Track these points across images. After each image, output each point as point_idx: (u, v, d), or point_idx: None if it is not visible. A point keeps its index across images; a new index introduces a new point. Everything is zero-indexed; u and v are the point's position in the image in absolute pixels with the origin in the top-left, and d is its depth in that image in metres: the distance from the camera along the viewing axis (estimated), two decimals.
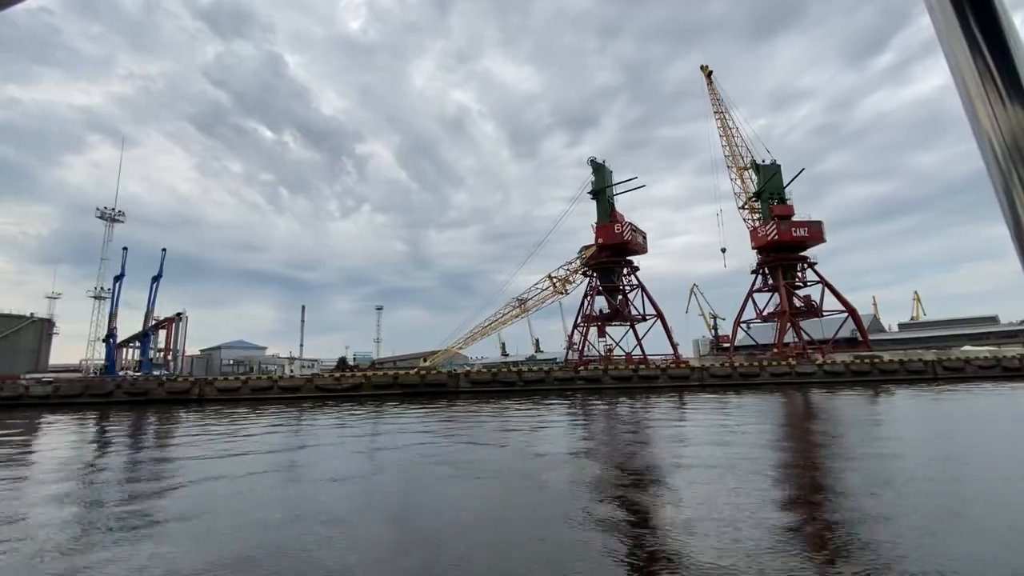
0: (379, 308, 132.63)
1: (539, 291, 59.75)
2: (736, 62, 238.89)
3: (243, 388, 42.86)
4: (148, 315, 47.98)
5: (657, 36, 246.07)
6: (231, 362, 62.05)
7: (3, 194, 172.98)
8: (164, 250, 49.08)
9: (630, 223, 53.19)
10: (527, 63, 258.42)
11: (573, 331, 58.67)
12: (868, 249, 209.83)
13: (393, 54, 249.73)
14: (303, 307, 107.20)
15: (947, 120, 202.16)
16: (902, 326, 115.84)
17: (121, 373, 47.07)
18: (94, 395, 41.72)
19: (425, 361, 72.45)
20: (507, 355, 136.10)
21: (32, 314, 77.22)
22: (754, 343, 59.36)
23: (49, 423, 27.45)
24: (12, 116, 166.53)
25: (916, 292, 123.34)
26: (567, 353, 60.56)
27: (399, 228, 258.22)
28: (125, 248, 47.47)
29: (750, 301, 57.93)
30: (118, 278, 47.78)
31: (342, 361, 78.79)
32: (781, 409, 25.58)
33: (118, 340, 75.91)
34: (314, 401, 40.46)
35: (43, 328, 78.74)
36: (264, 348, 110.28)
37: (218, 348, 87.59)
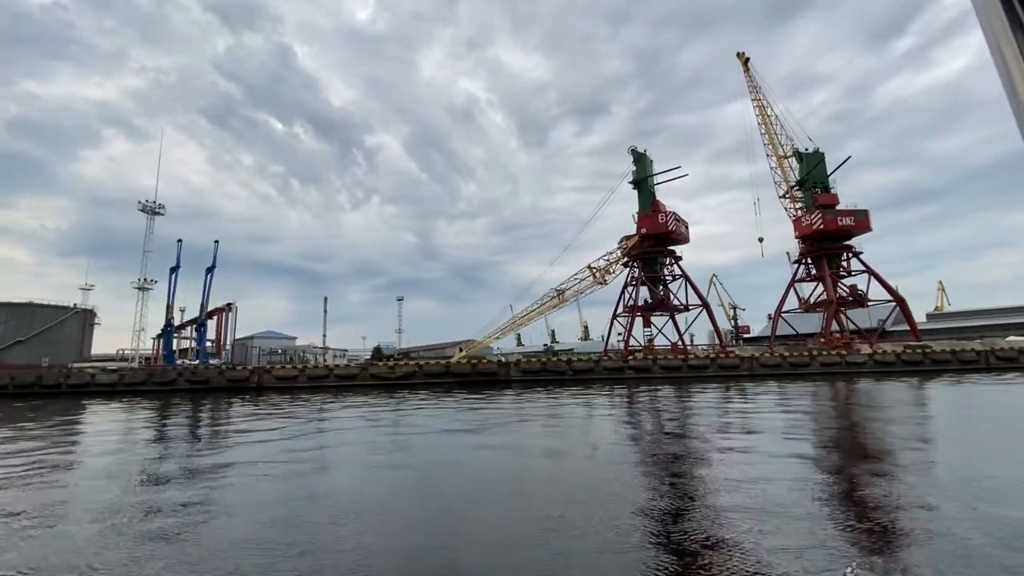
0: (400, 299, 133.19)
1: (578, 281, 60.01)
2: (750, 48, 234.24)
3: (300, 377, 43.73)
4: (204, 306, 48.93)
5: (669, 22, 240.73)
6: (278, 351, 63.03)
7: (23, 188, 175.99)
8: (217, 242, 50.11)
9: (673, 212, 53.06)
10: (536, 51, 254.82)
11: (612, 321, 58.90)
12: (887, 237, 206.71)
13: (401, 44, 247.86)
14: (325, 298, 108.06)
15: (968, 104, 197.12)
16: (929, 316, 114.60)
17: (180, 362, 48.11)
18: (157, 383, 42.85)
19: (461, 351, 73.23)
20: (522, 344, 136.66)
21: (75, 305, 79.00)
22: (795, 332, 59.20)
23: (146, 408, 28.35)
24: (30, 111, 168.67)
25: (940, 282, 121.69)
26: (604, 344, 60.89)
27: (409, 219, 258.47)
28: (180, 240, 48.44)
29: (792, 290, 57.67)
30: (174, 269, 48.75)
31: (377, 351, 79.68)
32: (872, 399, 25.68)
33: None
34: (370, 389, 41.21)
35: (85, 318, 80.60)
36: (295, 338, 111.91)
37: (251, 338, 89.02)
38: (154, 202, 77.43)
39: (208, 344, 55.53)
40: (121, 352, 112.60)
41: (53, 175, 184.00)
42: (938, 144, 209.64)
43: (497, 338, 72.12)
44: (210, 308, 51.82)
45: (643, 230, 53.33)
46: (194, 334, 54.79)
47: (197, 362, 47.39)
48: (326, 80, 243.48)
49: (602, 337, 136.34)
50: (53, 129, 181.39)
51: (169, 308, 48.89)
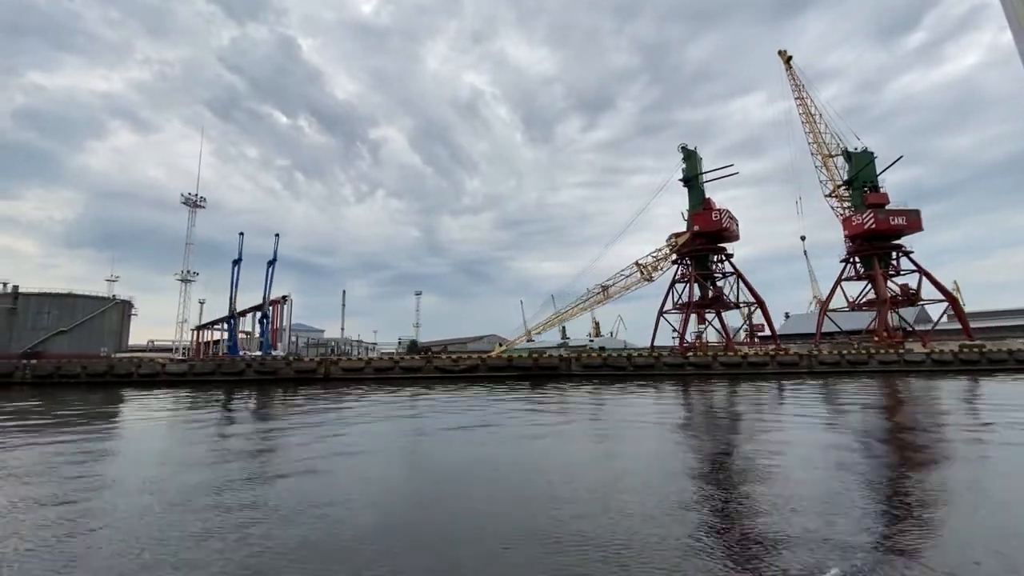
0: (418, 294, 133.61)
1: (623, 278, 60.52)
2: (759, 42, 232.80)
3: (366, 368, 44.35)
4: (265, 298, 49.44)
5: (676, 16, 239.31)
6: (331, 343, 63.56)
7: (30, 179, 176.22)
8: (277, 235, 50.42)
9: (726, 210, 53.43)
10: (542, 44, 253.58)
11: (659, 317, 59.41)
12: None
13: (406, 36, 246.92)
14: (343, 292, 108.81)
15: (979, 102, 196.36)
16: (950, 316, 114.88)
17: (242, 353, 48.72)
18: (226, 373, 43.44)
19: (500, 346, 73.86)
20: (532, 340, 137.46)
21: (114, 295, 79.83)
22: (838, 330, 59.67)
23: (240, 399, 28.90)
24: (37, 102, 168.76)
25: (955, 282, 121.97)
26: (651, 340, 61.42)
27: (413, 214, 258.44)
28: (241, 233, 48.91)
29: (839, 288, 58.14)
30: (236, 262, 49.19)
31: (413, 344, 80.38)
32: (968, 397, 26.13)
33: (203, 322, 78.07)
34: (434, 381, 41.78)
35: (124, 309, 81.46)
36: (323, 331, 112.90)
37: (284, 330, 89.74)
38: (196, 195, 78.24)
39: (241, 336, 56.10)
40: (152, 343, 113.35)
41: (60, 166, 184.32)
42: (947, 142, 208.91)
43: (538, 333, 72.82)
44: (246, 303, 52.31)
45: (696, 227, 53.74)
46: (225, 327, 55.30)
47: (259, 353, 47.93)
48: (330, 73, 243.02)
49: (611, 333, 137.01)
50: (59, 120, 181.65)
51: (232, 300, 49.42)
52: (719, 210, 53.09)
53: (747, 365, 45.20)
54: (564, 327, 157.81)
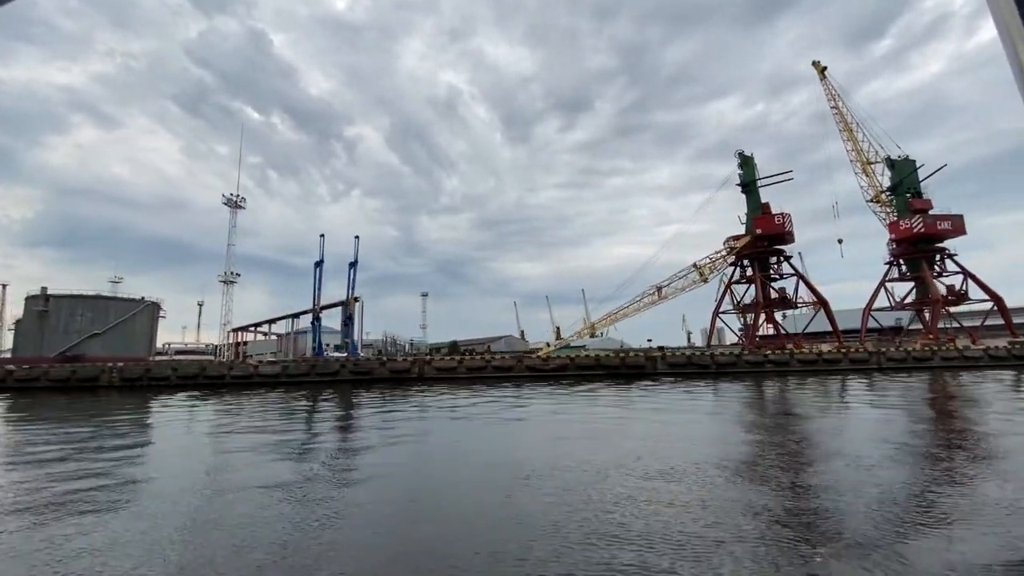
0: (424, 295, 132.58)
1: (679, 278, 62.36)
2: (734, 45, 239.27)
3: (459, 368, 44.74)
4: (348, 300, 49.20)
5: (654, 17, 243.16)
6: (403, 342, 63.24)
7: None
8: (357, 237, 50.24)
9: (788, 214, 55.84)
10: (520, 44, 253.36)
11: (715, 318, 61.41)
12: (861, 239, 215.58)
13: (382, 33, 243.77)
14: (358, 299, 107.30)
15: (944, 110, 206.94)
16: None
17: (327, 354, 48.36)
18: (321, 374, 43.22)
19: (548, 346, 74.71)
20: (525, 340, 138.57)
21: (143, 297, 77.62)
22: (880, 327, 62.80)
23: (382, 399, 29.11)
24: None
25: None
26: (707, 340, 63.15)
27: (390, 213, 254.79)
28: (322, 235, 48.48)
29: (882, 289, 61.22)
30: (318, 264, 48.89)
31: (453, 345, 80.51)
32: None
33: (236, 325, 76.53)
34: (523, 379, 42.49)
35: (153, 312, 79.31)
36: (339, 332, 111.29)
37: (305, 332, 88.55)
38: (236, 195, 76.65)
39: (271, 337, 55.79)
40: (168, 345, 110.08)
41: (17, 163, 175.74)
42: (914, 148, 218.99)
43: (586, 333, 74.05)
44: (326, 302, 51.99)
45: (758, 231, 55.91)
46: (306, 327, 54.92)
47: (344, 354, 47.67)
48: (304, 69, 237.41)
49: (603, 333, 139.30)
50: (17, 115, 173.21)
51: (316, 302, 48.91)
52: (781, 214, 55.43)
53: (823, 362, 47.39)
54: (558, 328, 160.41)
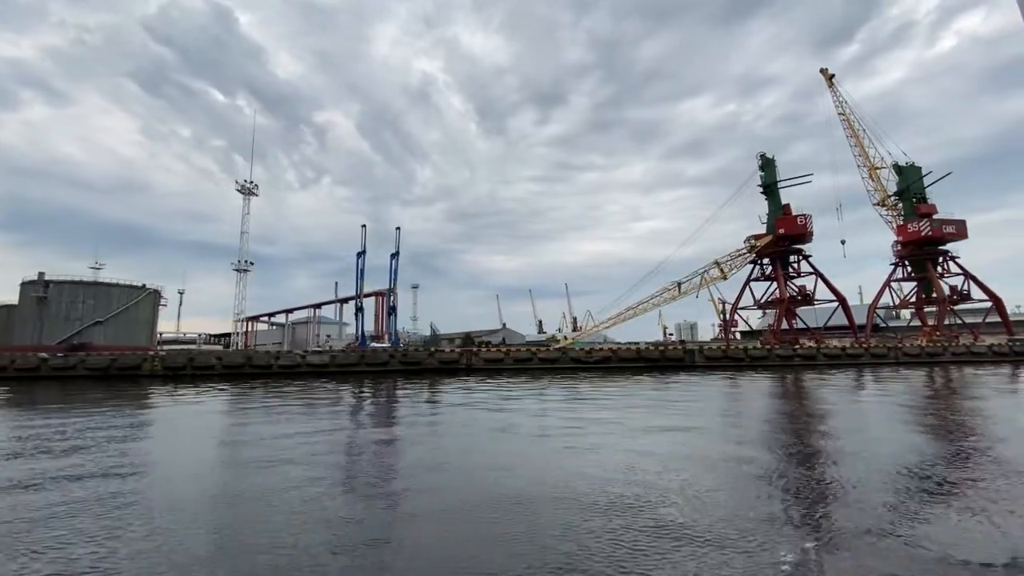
0: (415, 287, 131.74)
1: (699, 275, 64.32)
2: (708, 44, 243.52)
3: (506, 359, 45.26)
4: (391, 290, 48.76)
5: (632, 12, 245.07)
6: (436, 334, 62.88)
7: None
8: (398, 228, 49.63)
9: (809, 215, 58.31)
10: (497, 33, 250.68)
11: (733, 313, 63.71)
12: (824, 239, 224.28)
13: (354, 16, 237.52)
14: (336, 283, 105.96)
15: (906, 115, 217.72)
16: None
17: (372, 344, 47.92)
18: (370, 364, 43.02)
19: (566, 339, 75.74)
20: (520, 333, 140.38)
21: (144, 284, 74.77)
22: (883, 325, 66.45)
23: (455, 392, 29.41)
24: None
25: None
26: (725, 335, 65.40)
27: (361, 203, 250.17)
28: (364, 226, 47.64)
29: (887, 289, 64.81)
30: (360, 254, 48.22)
31: (467, 337, 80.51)
32: None
33: (249, 315, 74.66)
34: (566, 371, 43.41)
35: (155, 299, 76.53)
36: (348, 324, 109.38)
37: (305, 323, 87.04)
38: (250, 182, 74.38)
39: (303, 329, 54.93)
40: (161, 335, 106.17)
41: None
42: (875, 152, 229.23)
43: (606, 328, 75.46)
44: (367, 291, 51.47)
45: (780, 231, 58.22)
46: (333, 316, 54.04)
47: (387, 345, 47.38)
48: (272, 50, 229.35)
49: (558, 331, 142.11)
50: None
51: (359, 292, 48.25)
52: (803, 215, 57.86)
53: (846, 356, 50.03)
54: (540, 321, 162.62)
